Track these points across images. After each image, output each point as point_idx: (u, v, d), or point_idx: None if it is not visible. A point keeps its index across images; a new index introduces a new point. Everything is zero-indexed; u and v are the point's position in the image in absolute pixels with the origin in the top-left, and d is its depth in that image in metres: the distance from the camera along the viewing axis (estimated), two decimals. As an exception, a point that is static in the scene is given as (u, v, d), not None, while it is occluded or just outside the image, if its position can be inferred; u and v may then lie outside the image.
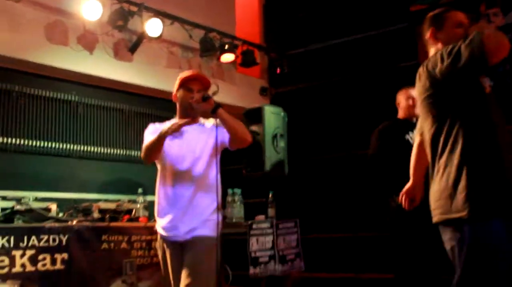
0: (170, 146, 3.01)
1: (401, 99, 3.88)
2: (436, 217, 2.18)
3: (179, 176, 2.90)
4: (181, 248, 2.81)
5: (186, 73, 3.12)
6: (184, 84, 3.07)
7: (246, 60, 6.24)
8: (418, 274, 3.49)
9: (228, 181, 4.96)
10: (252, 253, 3.92)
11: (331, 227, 6.05)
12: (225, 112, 2.91)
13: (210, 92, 2.96)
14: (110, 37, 5.38)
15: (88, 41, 5.16)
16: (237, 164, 4.71)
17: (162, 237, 2.89)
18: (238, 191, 4.15)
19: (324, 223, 6.06)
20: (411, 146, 3.54)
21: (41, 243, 3.12)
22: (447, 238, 2.13)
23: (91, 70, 5.18)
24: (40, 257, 3.10)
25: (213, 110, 2.85)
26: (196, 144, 2.99)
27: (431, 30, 2.36)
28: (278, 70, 6.60)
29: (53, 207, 3.58)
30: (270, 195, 4.37)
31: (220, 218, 2.87)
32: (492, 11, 5.26)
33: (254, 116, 4.52)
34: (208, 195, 2.86)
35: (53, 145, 5.05)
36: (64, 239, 3.21)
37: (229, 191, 4.14)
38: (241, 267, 3.98)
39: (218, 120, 2.87)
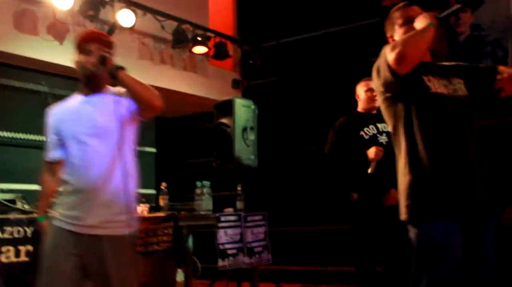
0: (65, 123, 2.47)
1: (360, 91, 3.79)
2: (401, 215, 2.21)
3: (80, 158, 2.39)
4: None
5: (82, 33, 2.59)
6: (81, 46, 2.48)
7: (219, 53, 6.24)
8: (377, 267, 3.54)
9: (197, 174, 4.98)
10: (220, 245, 3.94)
11: (300, 220, 6.12)
12: (128, 75, 2.40)
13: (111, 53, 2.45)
14: (81, 27, 5.33)
15: (58, 30, 5.11)
16: (207, 157, 4.73)
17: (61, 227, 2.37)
18: (207, 183, 4.15)
19: (293, 216, 6.12)
20: (365, 141, 3.59)
21: (5, 235, 3.09)
22: (409, 235, 2.16)
23: (61, 60, 5.12)
24: (4, 249, 3.07)
25: (111, 74, 2.37)
26: (98, 118, 2.43)
27: (388, 32, 2.37)
28: (250, 63, 6.61)
29: (19, 198, 3.55)
30: (239, 188, 4.39)
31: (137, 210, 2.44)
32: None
33: (224, 108, 4.52)
34: (119, 180, 2.40)
35: (22, 136, 4.99)
36: (29, 231, 3.19)
37: (198, 183, 4.15)
38: (210, 259, 4.00)
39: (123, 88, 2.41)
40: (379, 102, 2.31)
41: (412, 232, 2.10)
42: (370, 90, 3.68)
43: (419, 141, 2.11)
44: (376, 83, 2.23)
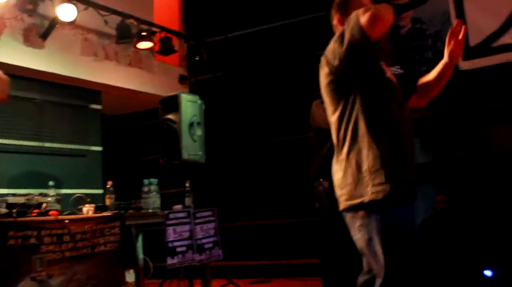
0: None
1: None
2: (342, 204, 2.15)
3: None
4: None
5: None
6: None
7: (164, 48, 6.15)
8: (345, 259, 3.49)
9: (144, 172, 4.90)
10: (170, 243, 3.89)
11: (250, 214, 6.12)
12: None
13: None
14: (19, 22, 5.14)
15: (-6, 26, 4.91)
16: (153, 154, 4.65)
17: None
18: (154, 181, 4.09)
19: (243, 211, 6.12)
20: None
21: None
22: (357, 225, 2.08)
23: (-2, 57, 4.93)
24: None
25: None
26: None
27: (337, 16, 2.32)
28: (197, 58, 6.55)
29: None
30: (187, 184, 4.34)
31: None
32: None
33: (170, 104, 4.46)
34: None
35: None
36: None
37: (145, 181, 4.08)
38: (162, 258, 3.94)
39: None
40: (323, 83, 2.22)
41: (371, 219, 2.04)
42: None
43: (376, 126, 2.07)
44: (332, 54, 2.12)
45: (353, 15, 2.05)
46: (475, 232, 5.05)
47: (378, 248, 2.01)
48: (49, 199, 3.85)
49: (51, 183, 3.92)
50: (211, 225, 4.28)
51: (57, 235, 3.43)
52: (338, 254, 3.49)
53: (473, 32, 5.12)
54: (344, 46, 2.04)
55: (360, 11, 2.02)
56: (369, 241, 2.05)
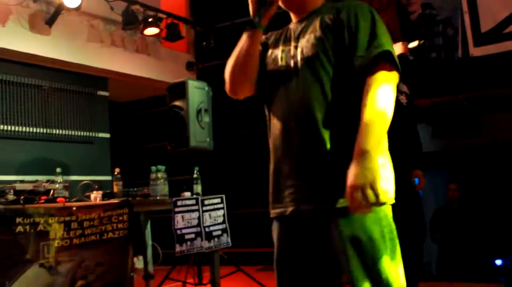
0: None
1: None
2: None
3: None
4: None
5: None
6: None
7: (171, 34, 6.10)
8: None
9: (152, 159, 4.87)
10: (178, 230, 3.87)
11: (259, 201, 6.08)
12: None
13: None
14: (25, 8, 5.11)
15: (0, 12, 4.88)
16: (161, 141, 4.62)
17: None
18: (162, 168, 4.05)
19: (252, 198, 6.09)
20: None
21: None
22: None
23: (4, 44, 4.92)
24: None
25: None
26: None
27: None
28: (204, 44, 6.49)
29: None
30: (195, 171, 4.31)
31: None
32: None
33: (177, 90, 4.41)
34: None
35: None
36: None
37: (153, 168, 4.05)
38: (171, 245, 3.93)
39: None
40: None
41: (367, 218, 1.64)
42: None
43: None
44: None
45: None
46: (487, 221, 5.02)
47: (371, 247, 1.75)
48: (57, 186, 3.84)
49: (58, 169, 3.90)
50: (220, 212, 4.25)
51: (65, 222, 3.40)
52: None
53: (484, 18, 5.03)
54: None
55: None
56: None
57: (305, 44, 1.74)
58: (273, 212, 1.86)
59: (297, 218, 1.74)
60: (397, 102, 3.36)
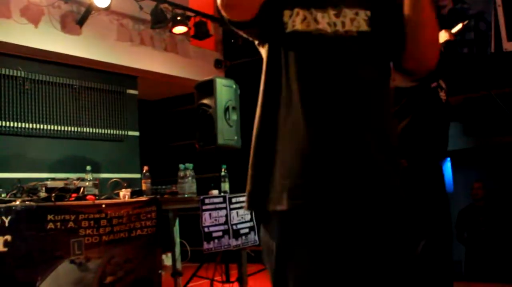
0: None
1: None
2: None
3: None
4: None
5: None
6: None
7: (199, 32, 6.12)
8: None
9: (181, 156, 4.90)
10: (206, 228, 3.89)
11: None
12: None
13: None
14: (57, 9, 5.20)
15: (32, 13, 4.98)
16: (189, 139, 4.64)
17: None
18: (190, 166, 4.08)
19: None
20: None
21: (-18, 225, 3.01)
22: None
23: (37, 44, 5.01)
24: (-18, 239, 2.99)
25: None
26: None
27: None
28: (232, 42, 6.50)
29: (-5, 187, 3.46)
30: (223, 169, 4.32)
31: None
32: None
33: (205, 88, 4.43)
34: None
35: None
36: (6, 221, 3.09)
37: (181, 166, 4.07)
38: (200, 242, 3.95)
39: None
40: None
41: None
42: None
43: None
44: None
45: None
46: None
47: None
48: (87, 183, 3.89)
49: (88, 167, 3.96)
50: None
51: (94, 219, 3.45)
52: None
53: (519, 11, 4.92)
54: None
55: None
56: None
57: (354, 16, 1.46)
58: None
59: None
60: (438, 99, 3.30)
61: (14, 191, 3.53)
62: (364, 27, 1.46)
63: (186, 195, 3.99)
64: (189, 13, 6.07)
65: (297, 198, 1.36)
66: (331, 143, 1.37)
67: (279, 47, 1.48)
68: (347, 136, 1.38)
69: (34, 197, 3.48)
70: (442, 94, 3.40)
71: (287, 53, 1.46)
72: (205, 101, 4.40)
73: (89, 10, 5.23)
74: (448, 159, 5.25)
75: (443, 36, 3.27)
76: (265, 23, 1.46)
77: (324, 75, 1.42)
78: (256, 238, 4.26)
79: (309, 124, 1.39)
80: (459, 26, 3.38)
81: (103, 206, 3.51)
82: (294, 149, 1.40)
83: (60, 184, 3.78)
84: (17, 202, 3.27)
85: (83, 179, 3.94)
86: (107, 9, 5.20)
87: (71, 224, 3.35)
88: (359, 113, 1.40)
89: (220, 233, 3.96)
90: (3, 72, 4.98)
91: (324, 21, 1.44)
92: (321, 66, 1.43)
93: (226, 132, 4.34)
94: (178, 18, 5.82)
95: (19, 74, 5.10)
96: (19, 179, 3.82)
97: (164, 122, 7.57)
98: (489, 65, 5.05)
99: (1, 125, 4.88)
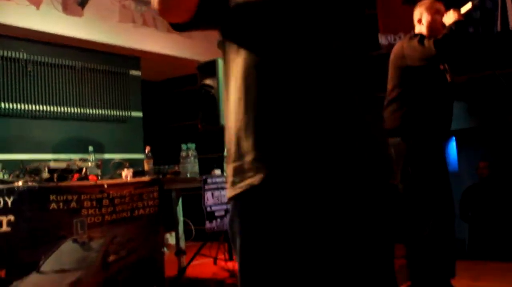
0: None
1: (425, 15, 3.27)
2: None
3: None
4: None
5: None
6: None
7: (202, 12, 6.07)
8: None
9: (184, 137, 4.90)
10: (208, 207, 3.91)
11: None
12: None
13: None
14: (58, -10, 5.17)
15: (34, -5, 4.96)
16: (191, 120, 4.64)
17: None
18: (192, 146, 4.08)
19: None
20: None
21: (-15, 206, 3.03)
22: None
23: (39, 26, 4.99)
24: (-15, 220, 3.02)
25: None
26: None
27: None
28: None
29: (-2, 168, 3.48)
30: (226, 149, 4.32)
31: None
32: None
33: (208, 69, 4.42)
34: None
35: (2, 105, 4.89)
36: (9, 201, 3.12)
37: (183, 146, 4.08)
38: (203, 222, 3.97)
39: None
40: None
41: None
42: (438, 12, 3.20)
43: None
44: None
45: None
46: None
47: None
48: (89, 164, 3.91)
49: (90, 148, 3.98)
50: (249, 190, 4.26)
51: (97, 199, 3.48)
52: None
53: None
54: None
55: None
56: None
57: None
58: None
59: None
60: (444, 79, 3.27)
61: (17, 172, 3.56)
62: None
63: (188, 175, 4.00)
64: (191, -7, 6.02)
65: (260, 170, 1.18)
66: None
67: (230, 27, 1.33)
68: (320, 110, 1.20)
69: (37, 178, 3.50)
70: (448, 75, 3.37)
71: (238, 30, 1.30)
72: (208, 81, 4.39)
73: (91, -9, 5.21)
74: (453, 138, 5.24)
75: (451, 16, 3.13)
76: (209, 17, 1.30)
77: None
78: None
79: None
80: (469, 5, 3.22)
81: (105, 186, 3.53)
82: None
83: (62, 165, 3.80)
84: (20, 183, 3.29)
85: (85, 160, 3.96)
86: (108, -11, 5.17)
87: (73, 204, 3.37)
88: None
89: (222, 213, 3.98)
90: (5, 55, 4.97)
91: None
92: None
93: (228, 113, 4.33)
94: (181, -2, 5.77)
95: (21, 56, 5.10)
96: (22, 161, 3.84)
97: (167, 102, 7.56)
98: (495, 45, 4.99)
99: (4, 107, 4.89)
